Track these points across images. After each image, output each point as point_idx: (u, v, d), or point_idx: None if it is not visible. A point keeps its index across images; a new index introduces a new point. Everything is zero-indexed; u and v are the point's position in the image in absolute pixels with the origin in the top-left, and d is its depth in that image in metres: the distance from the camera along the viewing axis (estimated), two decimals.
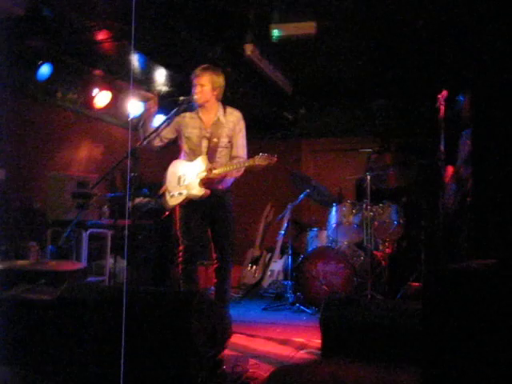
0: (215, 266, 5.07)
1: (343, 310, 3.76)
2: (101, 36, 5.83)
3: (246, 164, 4.79)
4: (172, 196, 4.97)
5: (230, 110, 5.03)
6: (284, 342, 4.90)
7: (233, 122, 4.98)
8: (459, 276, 2.22)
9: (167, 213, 5.10)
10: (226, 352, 3.58)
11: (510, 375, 2.13)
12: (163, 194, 5.08)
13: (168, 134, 5.04)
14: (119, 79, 7.27)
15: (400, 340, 3.48)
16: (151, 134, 4.94)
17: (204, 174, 4.80)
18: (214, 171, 4.79)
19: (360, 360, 3.24)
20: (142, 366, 3.07)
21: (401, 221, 6.87)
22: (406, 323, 3.51)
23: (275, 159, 4.73)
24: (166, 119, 5.03)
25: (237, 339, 4.67)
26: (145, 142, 4.93)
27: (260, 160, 4.70)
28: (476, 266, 2.30)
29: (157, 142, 5.04)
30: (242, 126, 5.03)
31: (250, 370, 3.81)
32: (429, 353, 2.28)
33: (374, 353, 3.43)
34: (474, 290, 2.29)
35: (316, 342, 4.67)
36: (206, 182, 4.83)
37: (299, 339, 4.98)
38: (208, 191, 4.83)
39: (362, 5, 5.67)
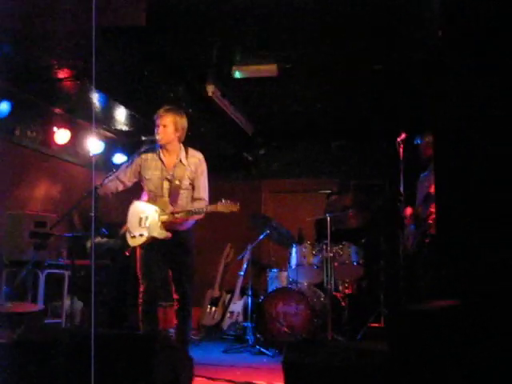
0: (175, 307, 5.01)
1: (306, 351, 3.73)
2: (62, 74, 5.79)
3: (209, 209, 4.78)
4: (133, 237, 4.93)
5: (191, 151, 5.02)
6: None
7: (194, 164, 4.96)
8: (421, 316, 2.23)
9: (127, 253, 5.04)
10: None
11: None
12: (124, 235, 5.03)
13: (130, 177, 5.01)
14: (79, 118, 7.22)
15: (364, 381, 3.46)
16: (111, 178, 4.93)
17: (166, 216, 4.79)
18: (176, 215, 4.78)
19: None
20: None
21: (360, 261, 6.91)
22: (369, 364, 3.50)
23: (237, 207, 4.75)
24: (127, 163, 5.03)
25: (197, 382, 4.59)
26: (102, 191, 4.89)
27: (222, 207, 4.72)
28: (436, 307, 2.32)
29: (118, 187, 5.01)
30: (203, 168, 5.01)
31: None
32: None
33: None
34: (434, 329, 2.31)
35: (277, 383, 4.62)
36: (167, 225, 4.81)
37: (261, 382, 4.91)
38: (169, 234, 4.81)
39: (322, 49, 5.77)
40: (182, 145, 5.01)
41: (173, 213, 4.76)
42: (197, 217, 4.90)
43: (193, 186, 4.96)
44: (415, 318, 2.28)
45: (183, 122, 4.98)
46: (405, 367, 2.31)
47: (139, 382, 3.01)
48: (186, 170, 4.91)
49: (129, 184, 5.05)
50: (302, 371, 3.63)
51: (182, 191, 4.89)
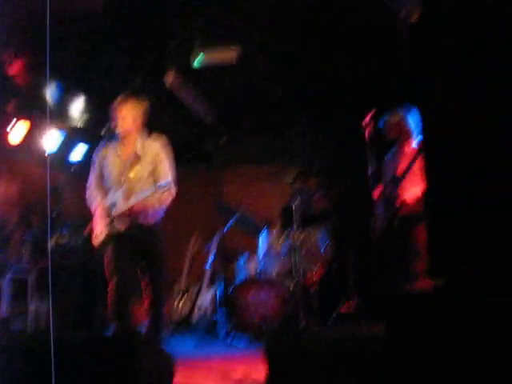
0: (146, 304, 4.87)
1: (287, 338, 3.67)
2: (14, 67, 5.57)
3: (149, 195, 4.62)
4: (97, 235, 4.78)
5: (149, 140, 4.83)
6: (224, 376, 4.74)
7: (152, 153, 4.78)
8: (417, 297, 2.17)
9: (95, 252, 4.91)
10: None
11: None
12: (89, 234, 4.89)
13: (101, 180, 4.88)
14: (35, 113, 6.96)
15: (346, 365, 3.41)
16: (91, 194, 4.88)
17: (118, 209, 4.67)
18: (130, 205, 4.63)
19: None
20: None
21: (328, 246, 6.86)
22: (350, 349, 3.45)
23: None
24: (92, 166, 4.90)
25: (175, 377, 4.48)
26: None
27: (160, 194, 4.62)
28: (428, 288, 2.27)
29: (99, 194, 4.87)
30: (163, 154, 4.81)
31: None
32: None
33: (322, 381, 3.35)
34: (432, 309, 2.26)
35: (255, 373, 4.55)
36: (122, 217, 4.68)
37: (237, 373, 4.83)
38: (122, 226, 4.68)
39: (281, 30, 5.69)
40: (140, 134, 4.84)
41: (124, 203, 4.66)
42: (158, 207, 4.74)
43: (154, 176, 4.76)
44: (412, 299, 2.22)
45: (141, 110, 4.82)
46: (401, 348, 2.25)
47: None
48: (141, 162, 4.74)
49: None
50: (285, 358, 3.57)
51: (138, 184, 4.71)
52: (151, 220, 4.80)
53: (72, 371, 2.84)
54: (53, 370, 2.58)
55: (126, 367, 2.87)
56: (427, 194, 2.49)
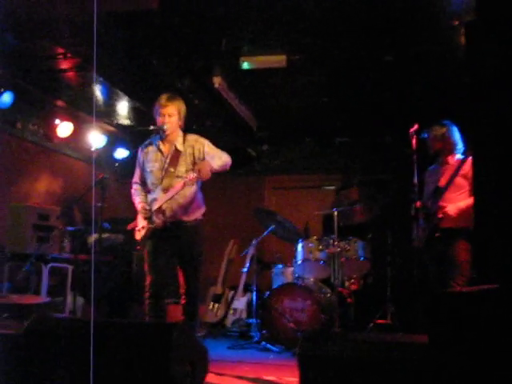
0: (183, 302, 4.90)
1: (322, 345, 3.62)
2: (65, 64, 5.67)
3: (176, 190, 4.65)
4: (138, 230, 4.86)
5: (187, 136, 4.88)
6: (255, 381, 4.72)
7: (191, 146, 4.82)
8: (470, 299, 2.13)
9: (138, 247, 4.99)
10: None
11: None
12: (131, 231, 4.97)
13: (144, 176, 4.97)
14: (82, 111, 7.08)
15: (381, 374, 3.36)
16: (136, 189, 5.00)
17: (157, 203, 4.74)
18: (163, 198, 4.70)
19: None
20: None
21: (367, 256, 6.79)
22: (388, 356, 3.40)
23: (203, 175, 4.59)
24: (136, 162, 5.00)
25: (206, 378, 4.47)
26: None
27: (190, 182, 4.59)
28: (480, 290, 2.22)
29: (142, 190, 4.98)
30: (202, 142, 4.83)
31: None
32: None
33: None
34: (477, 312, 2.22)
35: (287, 379, 4.53)
36: (158, 213, 4.73)
37: (270, 377, 4.81)
38: (160, 222, 4.73)
39: (330, 40, 5.67)
40: (181, 131, 4.90)
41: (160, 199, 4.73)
42: (191, 182, 4.62)
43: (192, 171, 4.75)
44: (459, 300, 2.18)
45: (185, 109, 4.90)
46: (444, 351, 2.20)
47: (156, 374, 2.89)
48: (181, 157, 4.79)
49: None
50: (319, 365, 3.53)
51: (177, 179, 4.74)
52: (190, 218, 4.84)
53: (107, 358, 2.86)
54: (91, 355, 2.61)
55: (160, 356, 2.88)
56: (476, 208, 2.43)
